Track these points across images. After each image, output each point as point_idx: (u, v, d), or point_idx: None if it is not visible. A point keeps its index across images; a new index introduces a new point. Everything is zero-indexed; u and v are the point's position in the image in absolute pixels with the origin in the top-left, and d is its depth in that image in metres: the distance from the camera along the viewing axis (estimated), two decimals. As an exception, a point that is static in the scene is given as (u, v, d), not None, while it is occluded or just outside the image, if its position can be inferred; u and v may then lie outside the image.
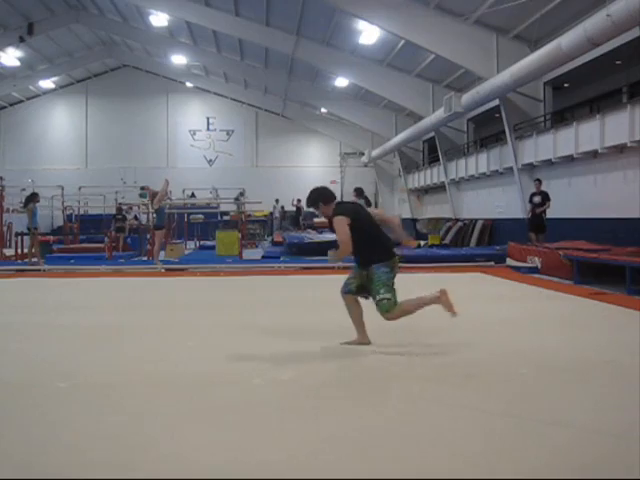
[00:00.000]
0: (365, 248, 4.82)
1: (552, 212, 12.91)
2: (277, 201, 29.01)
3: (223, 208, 24.97)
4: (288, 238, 17.54)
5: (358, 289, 4.91)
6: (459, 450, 2.81)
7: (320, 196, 5.03)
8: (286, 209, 28.73)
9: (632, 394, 3.58)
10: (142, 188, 23.39)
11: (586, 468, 2.63)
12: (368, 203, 23.32)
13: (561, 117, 15.30)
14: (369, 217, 5.02)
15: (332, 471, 2.58)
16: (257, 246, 21.23)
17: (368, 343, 4.94)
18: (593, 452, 2.81)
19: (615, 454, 2.79)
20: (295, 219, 26.93)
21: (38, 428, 3.14)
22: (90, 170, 30.48)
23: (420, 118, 20.93)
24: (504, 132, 16.11)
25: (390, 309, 4.68)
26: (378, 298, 4.71)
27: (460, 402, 3.51)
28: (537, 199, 13.11)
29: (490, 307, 7.40)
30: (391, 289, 4.73)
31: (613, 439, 2.95)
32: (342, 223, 4.77)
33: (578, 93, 15.44)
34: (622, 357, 4.58)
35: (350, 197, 15.01)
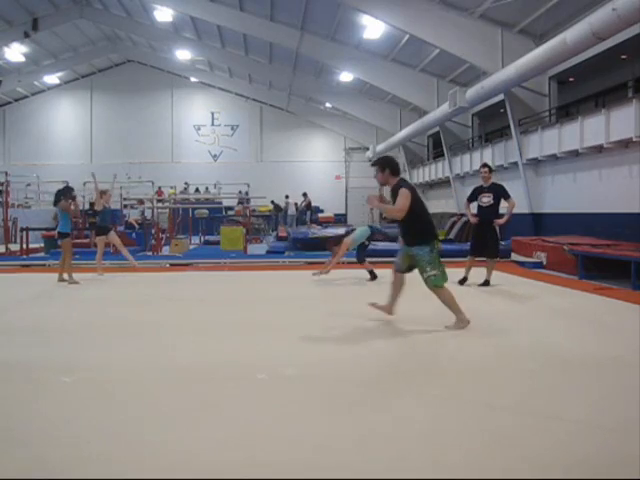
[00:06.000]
0: None
1: (557, 207, 12.75)
2: (287, 197, 26.92)
3: (228, 203, 24.96)
4: (292, 233, 17.54)
5: None
6: (464, 445, 2.83)
7: None
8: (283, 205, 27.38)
9: (634, 390, 3.58)
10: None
11: (584, 462, 2.65)
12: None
13: (566, 112, 15.23)
14: None
15: (335, 470, 2.58)
16: (262, 241, 21.23)
17: (391, 314, 5.73)
18: (592, 446, 2.83)
19: (613, 448, 2.81)
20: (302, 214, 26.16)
21: (42, 422, 3.18)
22: (95, 165, 30.23)
23: (425, 113, 20.87)
24: (509, 127, 16.07)
25: None
26: None
27: (465, 397, 3.53)
28: (487, 199, 8.91)
29: (494, 302, 7.40)
30: None
31: (612, 434, 2.97)
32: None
33: (583, 88, 15.37)
34: (626, 353, 4.58)
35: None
